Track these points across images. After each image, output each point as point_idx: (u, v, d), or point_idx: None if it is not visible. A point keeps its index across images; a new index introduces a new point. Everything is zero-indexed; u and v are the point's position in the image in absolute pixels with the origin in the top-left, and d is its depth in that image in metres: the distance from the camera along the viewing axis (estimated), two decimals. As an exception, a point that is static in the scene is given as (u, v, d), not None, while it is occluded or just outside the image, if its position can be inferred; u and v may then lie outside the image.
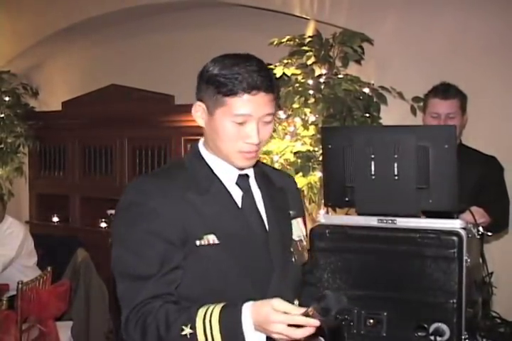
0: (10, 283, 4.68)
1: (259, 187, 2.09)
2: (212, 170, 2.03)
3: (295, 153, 4.48)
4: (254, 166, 2.10)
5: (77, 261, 5.19)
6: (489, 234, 2.94)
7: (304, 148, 4.51)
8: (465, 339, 2.65)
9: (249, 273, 1.96)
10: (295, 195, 2.22)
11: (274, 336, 1.66)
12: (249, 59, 1.94)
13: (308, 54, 4.73)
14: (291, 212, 2.13)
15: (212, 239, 1.92)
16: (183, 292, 1.92)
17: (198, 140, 2.12)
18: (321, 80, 4.65)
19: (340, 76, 4.70)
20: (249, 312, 1.69)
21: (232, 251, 1.94)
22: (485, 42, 4.68)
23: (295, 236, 2.11)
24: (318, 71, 4.74)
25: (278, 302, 1.66)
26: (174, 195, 1.94)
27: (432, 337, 2.62)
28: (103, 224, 6.35)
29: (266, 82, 1.92)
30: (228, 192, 2.01)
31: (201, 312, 1.75)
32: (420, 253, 2.64)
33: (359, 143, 2.75)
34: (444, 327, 2.61)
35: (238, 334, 1.69)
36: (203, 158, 2.05)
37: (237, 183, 2.04)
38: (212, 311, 1.74)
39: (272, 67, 4.51)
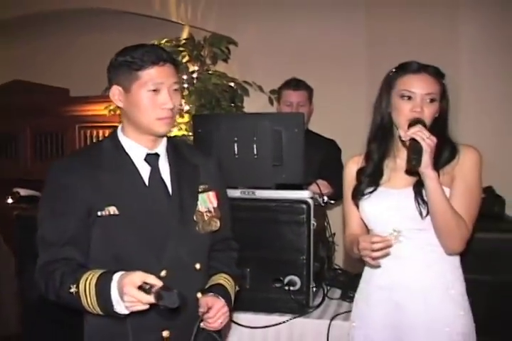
0: None
1: (170, 164, 2.02)
2: (124, 151, 1.96)
3: (173, 137, 4.40)
4: (171, 147, 2.05)
5: (-14, 232, 4.93)
6: (332, 202, 2.97)
7: (180, 133, 4.46)
8: (313, 287, 2.69)
9: (147, 241, 1.89)
10: (211, 172, 2.11)
11: (127, 304, 1.64)
12: (146, 44, 1.94)
13: (183, 54, 4.68)
14: (201, 186, 2.05)
15: (112, 210, 1.87)
16: (93, 256, 1.89)
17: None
18: (194, 76, 4.60)
19: (210, 72, 4.67)
20: (117, 281, 1.65)
21: (131, 221, 1.88)
22: (330, 45, 4.79)
23: (203, 208, 2.02)
24: (191, 68, 4.69)
25: (136, 276, 1.62)
26: (85, 172, 1.89)
27: (286, 287, 2.64)
28: (9, 200, 6.08)
29: (168, 55, 1.91)
30: (136, 169, 1.95)
31: (85, 275, 1.72)
32: (276, 219, 2.65)
33: (224, 129, 2.73)
34: (296, 278, 2.64)
35: (107, 296, 1.66)
36: (118, 140, 1.99)
37: (146, 160, 1.97)
38: (93, 275, 1.71)
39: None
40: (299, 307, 2.65)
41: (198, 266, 1.99)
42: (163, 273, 1.89)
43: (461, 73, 4.29)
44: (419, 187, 2.09)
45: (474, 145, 2.16)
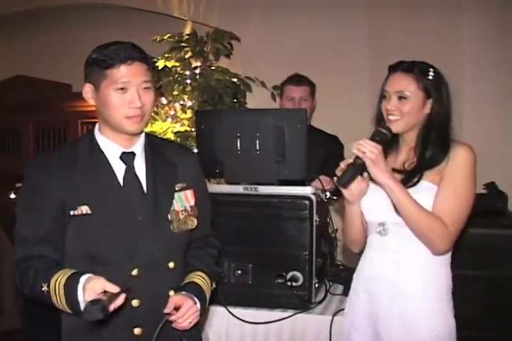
0: None
1: (146, 163, 2.00)
2: (100, 149, 1.96)
3: (175, 133, 4.42)
4: (149, 146, 2.03)
5: (-13, 227, 4.92)
6: (335, 198, 2.97)
7: (182, 129, 4.46)
8: (315, 283, 2.69)
9: (119, 239, 1.89)
10: (190, 169, 2.08)
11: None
12: (121, 41, 1.91)
13: (185, 49, 4.67)
14: (178, 185, 2.03)
15: (85, 209, 1.87)
16: (68, 254, 1.91)
17: (92, 122, 2.03)
18: (197, 71, 4.59)
19: (212, 68, 4.67)
20: (83, 283, 1.69)
21: (104, 220, 1.88)
22: (333, 41, 4.80)
23: (179, 207, 2.00)
24: (194, 63, 4.67)
25: (97, 283, 1.66)
26: (60, 170, 1.90)
27: (289, 283, 2.64)
28: (12, 196, 6.10)
29: (139, 53, 1.89)
30: (111, 168, 1.94)
31: (56, 275, 1.76)
32: (278, 214, 2.66)
33: (227, 124, 2.73)
34: (298, 274, 2.65)
35: (74, 297, 1.70)
36: (95, 138, 1.98)
37: (121, 158, 1.96)
38: (62, 276, 1.75)
39: (155, 60, 4.45)
40: (302, 302, 2.65)
41: (171, 264, 1.98)
42: (134, 272, 1.89)
43: (464, 72, 4.30)
44: None
45: (469, 144, 2.15)
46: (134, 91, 1.87)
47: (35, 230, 1.86)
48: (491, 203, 3.60)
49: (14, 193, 6.03)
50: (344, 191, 2.17)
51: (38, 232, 1.86)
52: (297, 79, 3.61)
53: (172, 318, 1.89)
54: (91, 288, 1.65)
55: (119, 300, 1.65)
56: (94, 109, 2.18)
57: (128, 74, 1.85)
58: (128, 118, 1.88)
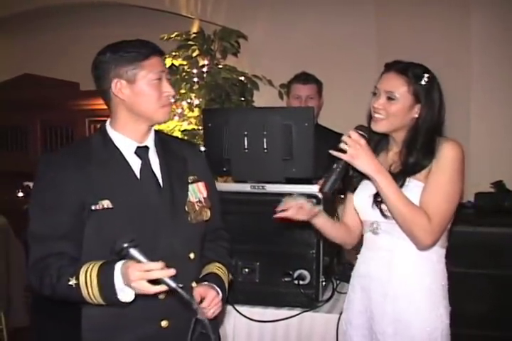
0: None
1: (159, 157, 2.02)
2: (114, 144, 1.97)
3: (182, 131, 4.44)
4: (158, 141, 2.05)
5: (-4, 227, 4.92)
6: (342, 196, 2.97)
7: (190, 127, 4.47)
8: (322, 281, 2.70)
9: (140, 233, 1.88)
10: (198, 163, 2.12)
11: (133, 285, 1.64)
12: (132, 39, 1.97)
13: (193, 47, 4.67)
14: (190, 177, 2.06)
15: (106, 203, 1.87)
16: (87, 249, 1.89)
17: (99, 121, 2.04)
18: (204, 70, 4.60)
19: (220, 66, 4.67)
20: (120, 268, 1.68)
21: (125, 214, 1.89)
22: (340, 39, 4.82)
23: (193, 198, 2.03)
24: (201, 62, 4.69)
25: (137, 266, 1.64)
26: (74, 167, 1.89)
27: (296, 282, 2.64)
28: (20, 194, 6.12)
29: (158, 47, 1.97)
30: (127, 162, 1.96)
31: (85, 266, 1.74)
32: (286, 213, 2.64)
33: (234, 122, 2.73)
34: (305, 273, 2.65)
35: (111, 286, 1.69)
36: (107, 134, 1.99)
37: (136, 153, 1.98)
38: (93, 266, 1.73)
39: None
40: (309, 301, 2.65)
41: (192, 255, 2.00)
42: None
43: (470, 70, 4.29)
44: None
45: (456, 140, 2.13)
46: (166, 81, 1.94)
47: (54, 228, 1.84)
48: (499, 202, 3.59)
49: (22, 191, 6.04)
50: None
51: (57, 230, 1.84)
52: (304, 78, 3.60)
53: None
54: (132, 272, 1.62)
55: (159, 273, 1.61)
56: (101, 107, 2.19)
57: (161, 65, 1.94)
58: (163, 108, 1.94)
